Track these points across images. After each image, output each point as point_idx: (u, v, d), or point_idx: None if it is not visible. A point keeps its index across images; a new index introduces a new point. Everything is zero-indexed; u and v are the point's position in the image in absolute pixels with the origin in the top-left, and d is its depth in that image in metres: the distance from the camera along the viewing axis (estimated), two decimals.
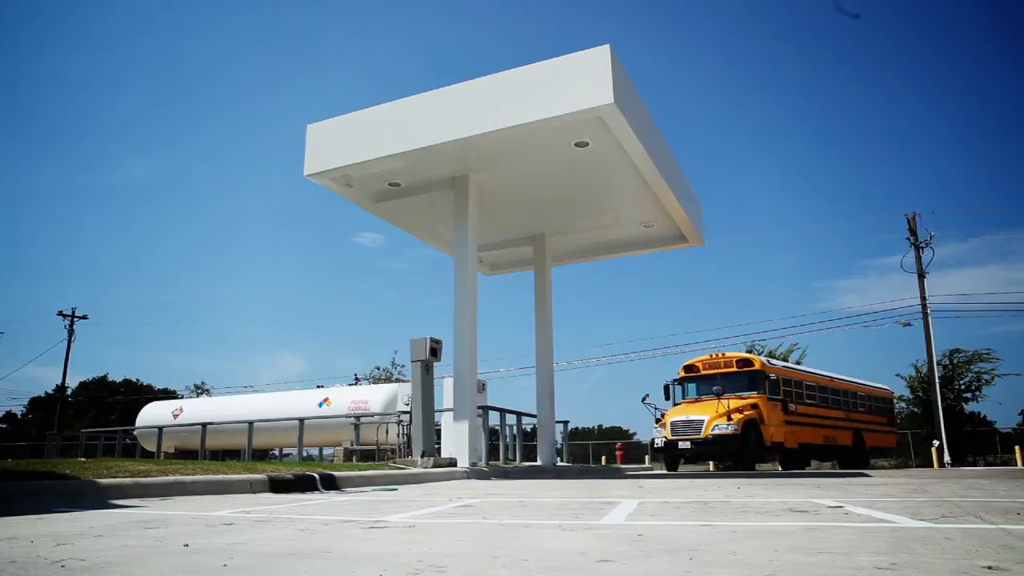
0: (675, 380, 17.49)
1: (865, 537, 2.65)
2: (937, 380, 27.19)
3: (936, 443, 25.60)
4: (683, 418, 15.45)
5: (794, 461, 20.04)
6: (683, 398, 17.07)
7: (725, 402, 15.19)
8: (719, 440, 14.51)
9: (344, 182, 12.16)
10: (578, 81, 9.82)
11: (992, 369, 29.94)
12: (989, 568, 1.90)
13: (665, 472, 15.80)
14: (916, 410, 31.91)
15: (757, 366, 16.43)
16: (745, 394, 15.62)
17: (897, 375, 33.05)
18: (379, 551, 2.50)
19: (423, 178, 12.28)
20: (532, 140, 10.89)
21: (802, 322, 72.51)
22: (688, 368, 17.49)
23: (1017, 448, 25.37)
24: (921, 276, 28.02)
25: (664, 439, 15.46)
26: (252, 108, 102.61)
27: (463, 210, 11.92)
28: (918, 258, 28.23)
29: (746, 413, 14.93)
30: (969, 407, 31.24)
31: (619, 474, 14.76)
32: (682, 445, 15.04)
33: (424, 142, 10.87)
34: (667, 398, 17.34)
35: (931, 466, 24.66)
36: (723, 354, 17.20)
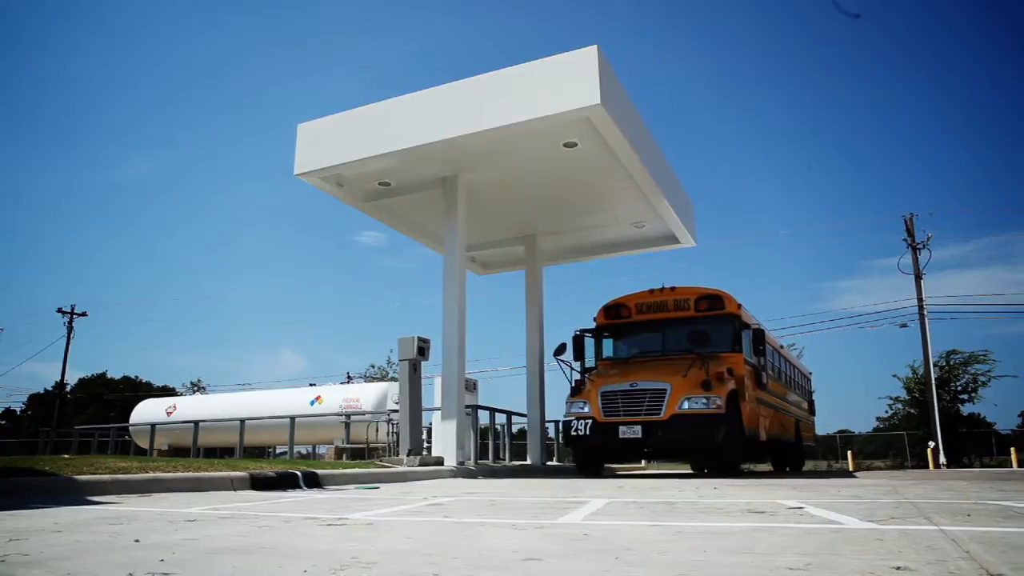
0: (591, 329, 11.79)
1: (802, 538, 2.69)
2: (933, 381, 27.22)
3: (932, 444, 25.65)
4: (626, 386, 9.81)
5: (760, 458, 15.75)
6: (599, 358, 11.58)
7: (699, 362, 9.79)
8: (695, 424, 9.23)
9: (334, 181, 12.21)
10: (565, 82, 9.86)
11: (988, 371, 30.02)
12: (898, 568, 1.95)
13: (659, 472, 14.99)
14: (913, 411, 31.98)
15: (731, 308, 10.81)
16: (709, 351, 10.32)
17: (894, 376, 33.08)
18: (321, 548, 2.55)
19: (413, 178, 12.33)
20: (521, 140, 10.94)
21: (801, 322, 72.49)
22: (611, 311, 11.56)
23: (1013, 450, 25.42)
24: (918, 277, 28.05)
25: (589, 421, 9.83)
26: (253, 107, 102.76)
27: (452, 210, 11.98)
28: (915, 259, 28.28)
29: (728, 383, 9.78)
30: (968, 408, 31.34)
31: (609, 473, 14.81)
32: (626, 432, 9.50)
33: (413, 142, 10.93)
34: (577, 358, 11.62)
35: (927, 467, 24.70)
36: (672, 288, 11.25)
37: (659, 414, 9.45)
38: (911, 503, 4.49)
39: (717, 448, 9.52)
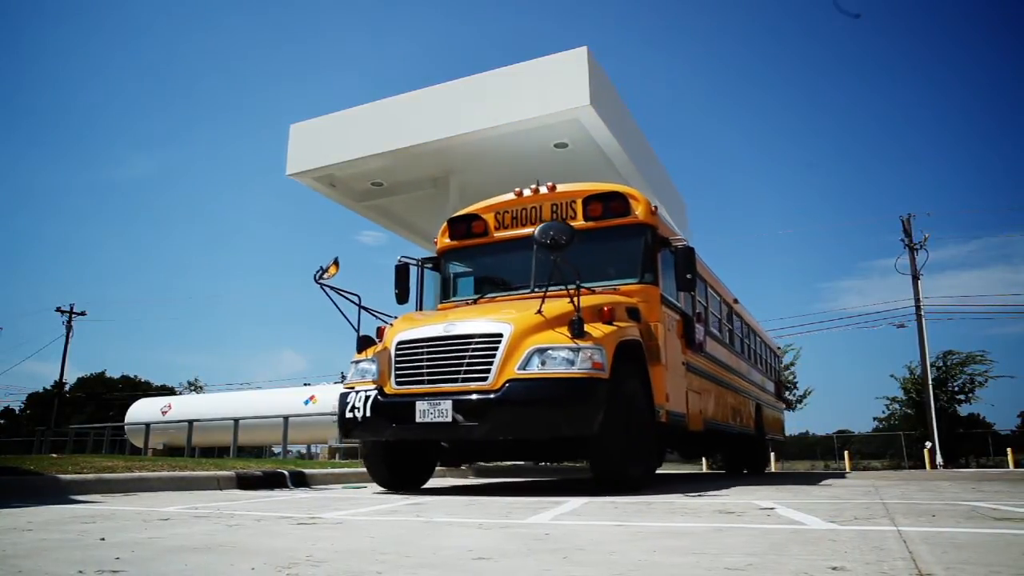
0: (430, 259, 7.65)
1: (757, 539, 2.72)
2: (930, 382, 27.25)
3: (928, 444, 25.69)
4: (438, 331, 5.68)
5: (692, 454, 12.17)
6: (450, 297, 7.36)
7: (562, 299, 5.70)
8: (549, 398, 5.27)
9: (327, 182, 12.26)
10: (555, 83, 9.92)
11: (986, 371, 30.05)
12: (834, 568, 1.98)
13: (663, 472, 14.10)
14: (910, 411, 32.02)
15: (641, 215, 6.71)
16: (606, 283, 6.56)
17: (891, 376, 33.09)
18: (280, 546, 2.58)
19: (406, 178, 12.37)
20: (512, 141, 10.98)
21: (800, 323, 72.52)
22: (458, 227, 7.43)
23: (1009, 450, 25.46)
24: (915, 278, 28.08)
25: (373, 392, 5.76)
26: (253, 107, 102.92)
27: (445, 210, 12.01)
28: (912, 260, 28.33)
29: (622, 326, 5.86)
30: (968, 409, 31.39)
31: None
32: (428, 413, 5.40)
33: (405, 142, 11.00)
34: (403, 299, 7.36)
35: (924, 468, 24.71)
36: (552, 187, 7.10)
37: (485, 380, 5.37)
38: (883, 504, 4.52)
39: (593, 443, 5.52)
